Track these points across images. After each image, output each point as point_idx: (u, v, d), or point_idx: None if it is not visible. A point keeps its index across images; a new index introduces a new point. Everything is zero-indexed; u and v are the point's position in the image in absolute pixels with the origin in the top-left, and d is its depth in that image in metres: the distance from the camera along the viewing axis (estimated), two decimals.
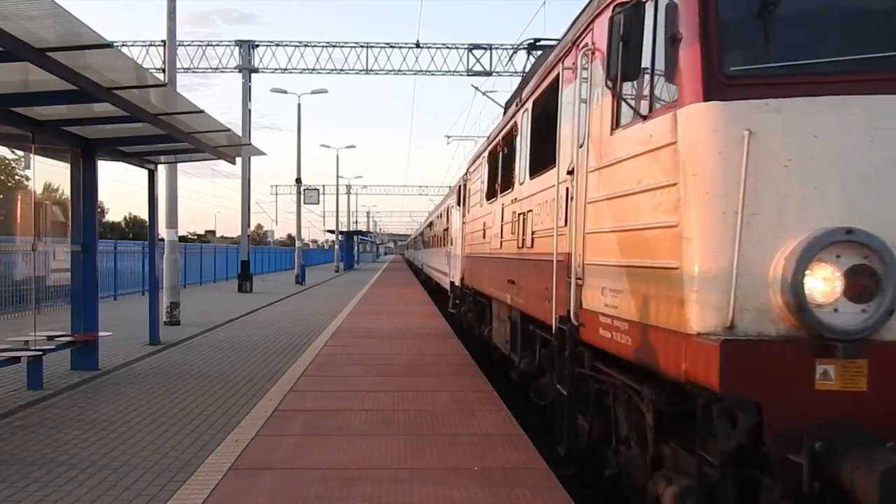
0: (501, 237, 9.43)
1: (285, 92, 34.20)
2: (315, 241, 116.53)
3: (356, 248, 76.65)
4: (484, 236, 11.36)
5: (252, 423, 6.78)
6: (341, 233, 61.93)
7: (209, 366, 10.10)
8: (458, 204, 16.42)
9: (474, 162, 13.96)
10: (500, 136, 10.26)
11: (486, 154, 11.81)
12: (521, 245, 7.90)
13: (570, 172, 5.55)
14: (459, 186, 16.56)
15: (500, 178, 9.96)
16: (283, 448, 5.96)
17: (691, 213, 3.64)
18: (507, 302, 9.12)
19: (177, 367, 10.06)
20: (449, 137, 37.92)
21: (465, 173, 15.52)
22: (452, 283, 17.66)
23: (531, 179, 7.52)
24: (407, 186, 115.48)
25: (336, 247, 61.24)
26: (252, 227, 40.44)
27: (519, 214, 8.12)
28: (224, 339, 13.22)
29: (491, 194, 10.85)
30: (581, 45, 5.47)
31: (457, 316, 17.11)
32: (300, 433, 6.44)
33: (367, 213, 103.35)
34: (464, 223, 15.29)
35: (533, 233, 7.31)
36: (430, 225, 34.63)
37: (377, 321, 16.48)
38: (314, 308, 20.19)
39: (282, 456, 5.73)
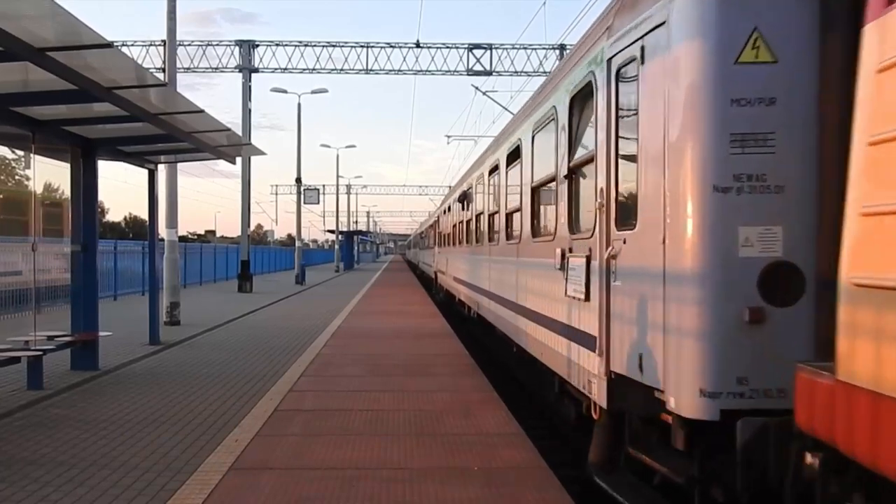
0: None
1: (285, 92, 34.34)
2: (315, 241, 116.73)
3: (356, 248, 76.68)
4: None
5: (252, 423, 6.78)
6: (341, 233, 61.97)
7: (209, 366, 10.10)
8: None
9: None
10: None
11: None
12: None
13: None
14: None
15: None
16: (283, 448, 5.95)
17: None
18: None
19: (177, 367, 10.05)
20: (449, 137, 38.02)
21: None
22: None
23: None
24: (407, 186, 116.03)
25: (336, 247, 61.27)
26: (252, 227, 40.44)
27: None
28: (224, 339, 13.22)
29: None
30: None
31: None
32: (300, 433, 6.44)
33: (367, 212, 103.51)
34: None
35: None
36: (466, 194, 15.19)
37: (377, 321, 16.47)
38: (314, 308, 20.19)
39: (282, 456, 5.73)
